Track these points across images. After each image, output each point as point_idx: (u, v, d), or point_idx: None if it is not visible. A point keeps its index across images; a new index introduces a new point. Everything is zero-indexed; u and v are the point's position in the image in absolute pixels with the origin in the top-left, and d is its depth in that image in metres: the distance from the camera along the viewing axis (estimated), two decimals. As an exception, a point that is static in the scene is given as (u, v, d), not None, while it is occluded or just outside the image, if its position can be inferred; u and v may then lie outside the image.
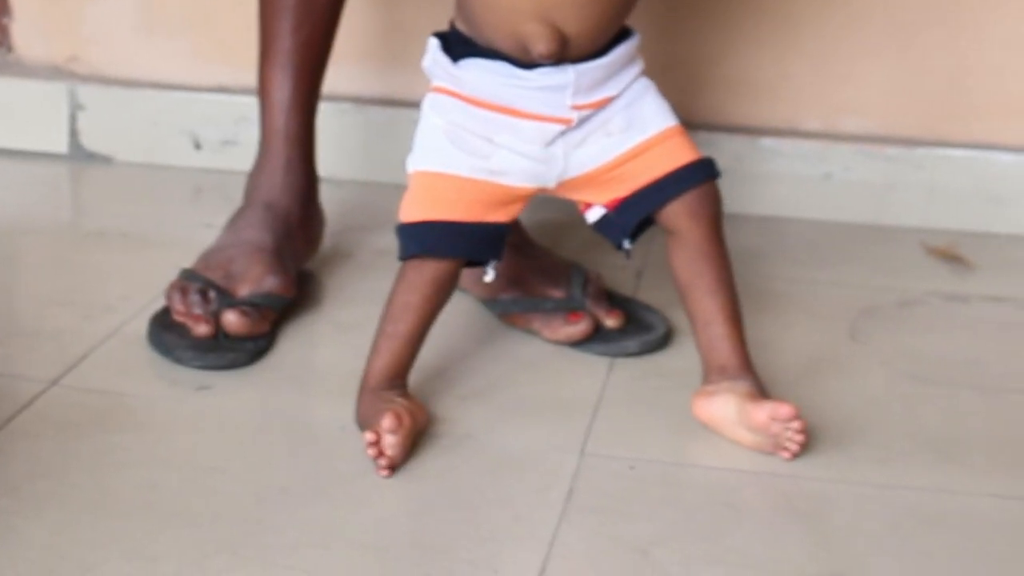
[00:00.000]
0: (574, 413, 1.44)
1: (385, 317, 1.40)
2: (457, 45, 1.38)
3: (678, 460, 1.37)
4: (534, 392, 1.49)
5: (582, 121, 1.38)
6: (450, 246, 1.38)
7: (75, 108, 2.13)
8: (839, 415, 1.45)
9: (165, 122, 2.11)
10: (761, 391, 1.39)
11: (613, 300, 1.62)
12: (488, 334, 1.60)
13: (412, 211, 1.39)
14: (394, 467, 1.32)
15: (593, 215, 1.44)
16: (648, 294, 1.69)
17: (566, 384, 1.50)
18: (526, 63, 1.34)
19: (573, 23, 1.32)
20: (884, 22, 1.95)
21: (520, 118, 1.37)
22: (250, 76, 1.71)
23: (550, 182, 1.40)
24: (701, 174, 1.41)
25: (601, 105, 1.38)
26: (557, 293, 1.60)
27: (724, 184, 1.76)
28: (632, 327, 1.59)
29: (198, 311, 1.55)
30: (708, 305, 1.41)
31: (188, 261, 1.63)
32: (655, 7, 1.95)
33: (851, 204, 1.98)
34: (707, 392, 1.40)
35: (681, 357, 1.55)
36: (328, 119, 1.97)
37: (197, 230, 1.83)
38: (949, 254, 1.88)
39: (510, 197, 1.40)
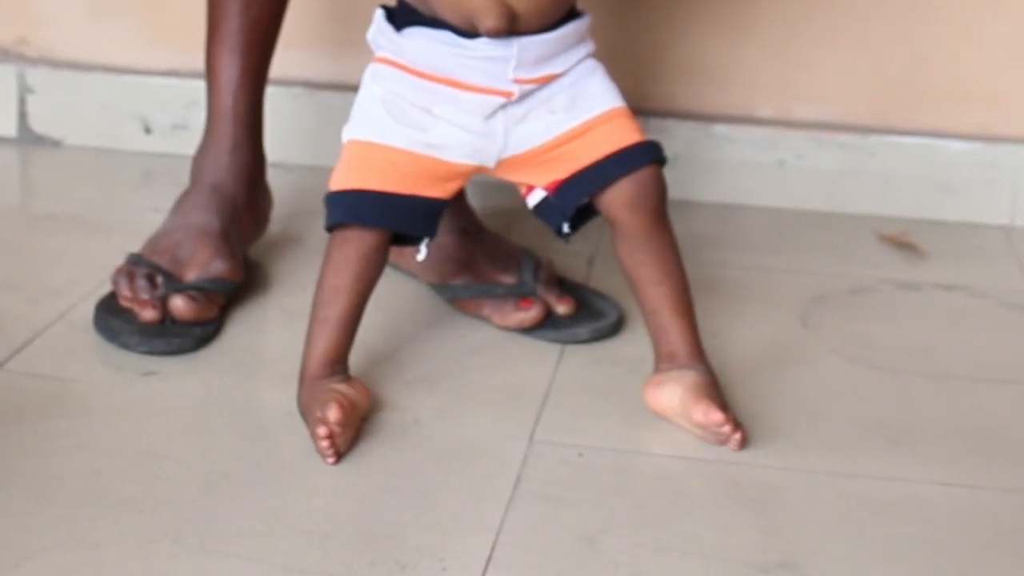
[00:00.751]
0: (523, 400, 1.43)
1: (316, 302, 1.37)
2: (403, 15, 1.36)
3: (627, 447, 1.36)
4: (483, 378, 1.48)
5: (524, 96, 1.36)
6: (378, 215, 1.35)
7: (24, 91, 2.11)
8: (789, 402, 1.45)
9: (115, 106, 2.09)
10: (709, 379, 1.38)
11: (564, 286, 1.61)
12: (438, 319, 1.59)
13: (342, 180, 1.37)
14: (341, 455, 1.31)
15: (534, 199, 1.42)
16: (600, 280, 1.69)
17: (516, 370, 1.49)
18: (472, 33, 1.33)
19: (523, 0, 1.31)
20: (838, 9, 1.95)
21: (461, 89, 1.35)
22: (201, 60, 1.69)
23: (490, 160, 1.38)
24: (644, 157, 1.38)
25: (545, 81, 1.36)
26: (508, 279, 1.59)
27: (676, 171, 1.76)
28: (583, 314, 1.58)
29: (145, 296, 1.53)
30: (653, 295, 1.40)
31: (136, 246, 1.62)
32: (608, -8, 1.95)
33: (804, 191, 1.98)
34: (656, 381, 1.40)
35: (632, 344, 1.54)
36: (279, 103, 1.96)
37: (146, 214, 1.81)
38: (901, 241, 1.87)
39: (448, 173, 1.38)
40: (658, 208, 1.39)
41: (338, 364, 1.37)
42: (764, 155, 1.98)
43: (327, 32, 2.05)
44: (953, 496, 1.30)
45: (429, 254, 1.59)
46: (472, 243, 1.62)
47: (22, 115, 2.11)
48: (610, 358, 1.53)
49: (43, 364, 1.47)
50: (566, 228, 1.41)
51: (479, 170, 1.40)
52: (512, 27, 1.31)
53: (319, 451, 1.30)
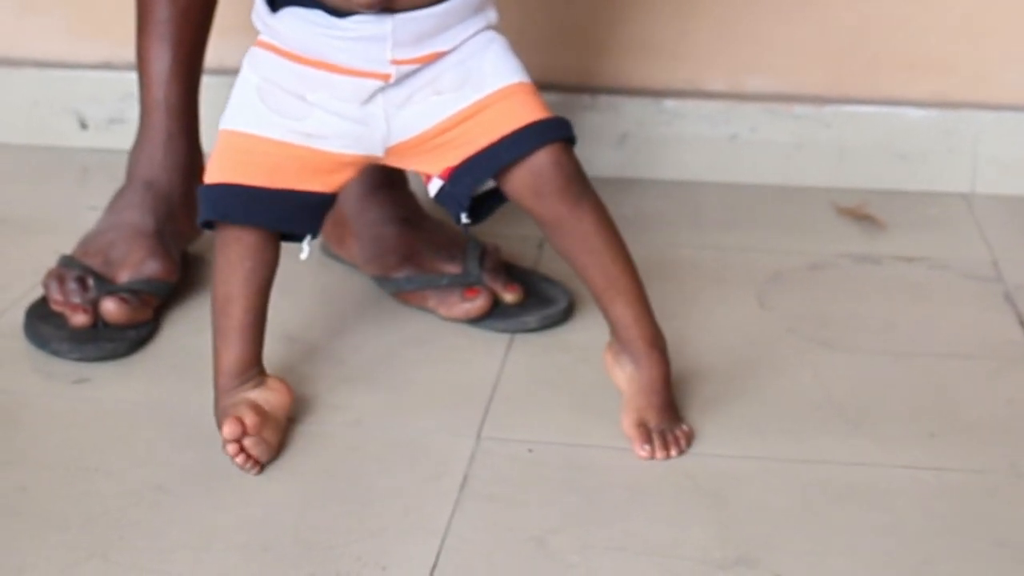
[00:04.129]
0: (471, 394, 1.38)
1: (212, 312, 1.31)
2: None
3: (579, 441, 1.31)
4: (429, 374, 1.42)
5: (403, 77, 1.26)
6: (247, 212, 1.27)
7: (-46, 89, 2.05)
8: (746, 386, 1.40)
9: (48, 101, 2.03)
10: (654, 375, 1.30)
11: (512, 273, 1.56)
12: (381, 313, 1.54)
13: (213, 172, 1.28)
14: (263, 464, 1.26)
15: (433, 187, 1.31)
16: (550, 265, 1.63)
17: (463, 364, 1.44)
18: (344, 12, 1.23)
19: None
20: (787, -23, 1.90)
21: (334, 73, 1.26)
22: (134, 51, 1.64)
23: (376, 149, 1.29)
24: (539, 137, 1.26)
25: (428, 61, 1.26)
26: (452, 268, 1.54)
27: (627, 148, 1.71)
28: (532, 301, 1.53)
29: (76, 300, 1.48)
30: (589, 281, 1.31)
31: (72, 246, 1.56)
32: (550, -32, 1.90)
33: (758, 165, 1.93)
34: (613, 351, 1.32)
35: (584, 330, 1.50)
36: (218, 93, 1.89)
37: (82, 213, 1.75)
38: (860, 214, 1.83)
39: (330, 164, 1.29)
40: (565, 192, 1.27)
41: (247, 371, 1.30)
42: (716, 129, 1.93)
43: (264, 18, 1.99)
44: (918, 479, 1.25)
45: (370, 246, 1.55)
46: (414, 232, 1.57)
47: (-47, 114, 2.05)
48: (560, 346, 1.48)
49: (-30, 375, 1.41)
50: (464, 218, 1.30)
51: (369, 161, 1.31)
52: (389, 2, 1.22)
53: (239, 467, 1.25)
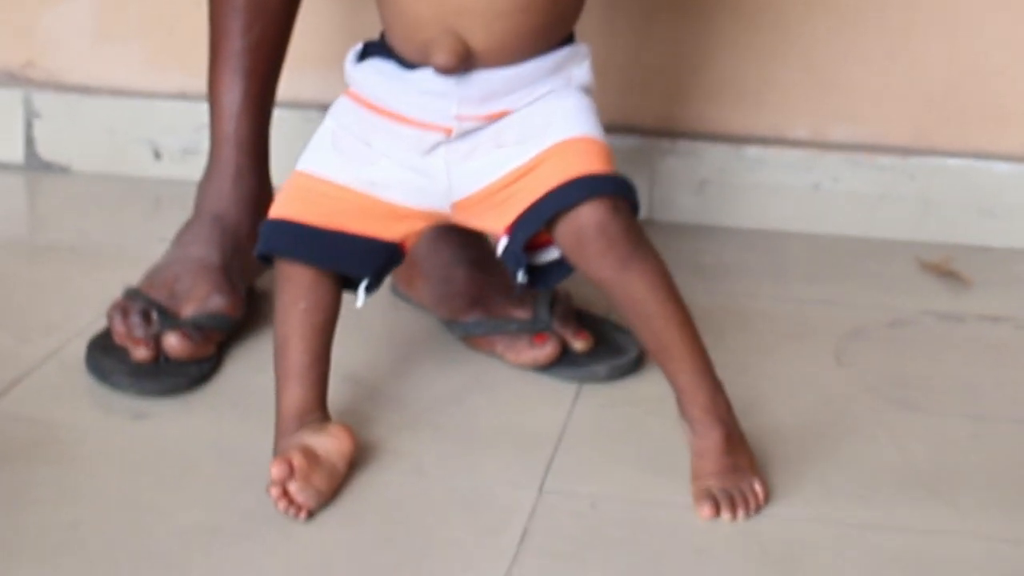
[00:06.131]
0: (535, 445, 1.35)
1: (274, 354, 1.30)
2: (372, 48, 1.30)
3: (644, 497, 1.27)
4: (493, 421, 1.39)
5: (466, 132, 1.25)
6: (297, 248, 1.28)
7: (31, 116, 2.04)
8: (821, 446, 1.36)
9: (123, 130, 2.02)
10: (711, 435, 1.25)
11: (582, 320, 1.52)
12: (448, 357, 1.50)
13: (276, 208, 1.30)
14: (310, 510, 1.22)
15: (500, 247, 1.28)
16: (623, 313, 1.60)
17: (528, 412, 1.41)
18: (415, 64, 1.25)
19: (481, 36, 1.22)
20: (875, 24, 1.85)
21: (399, 123, 1.26)
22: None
23: (442, 203, 1.28)
24: (585, 191, 1.21)
25: (495, 118, 1.25)
26: (522, 313, 1.50)
27: (706, 196, 1.67)
28: (602, 350, 1.49)
29: (138, 333, 1.45)
30: (643, 343, 1.28)
31: (139, 277, 1.54)
32: (632, 13, 1.86)
33: (841, 216, 1.88)
34: (679, 410, 1.28)
35: (654, 382, 1.44)
36: (290, 127, 1.88)
37: (153, 244, 1.73)
38: (944, 270, 1.78)
39: (393, 214, 1.28)
40: (607, 253, 1.22)
41: (307, 415, 1.28)
42: (798, 178, 1.88)
43: (343, 52, 1.97)
44: (995, 552, 1.21)
45: (439, 287, 1.52)
46: (484, 276, 1.54)
47: (29, 140, 2.04)
48: (629, 398, 1.44)
49: (29, 407, 1.39)
50: (520, 276, 1.27)
51: (436, 216, 1.30)
52: (467, 64, 1.22)
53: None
